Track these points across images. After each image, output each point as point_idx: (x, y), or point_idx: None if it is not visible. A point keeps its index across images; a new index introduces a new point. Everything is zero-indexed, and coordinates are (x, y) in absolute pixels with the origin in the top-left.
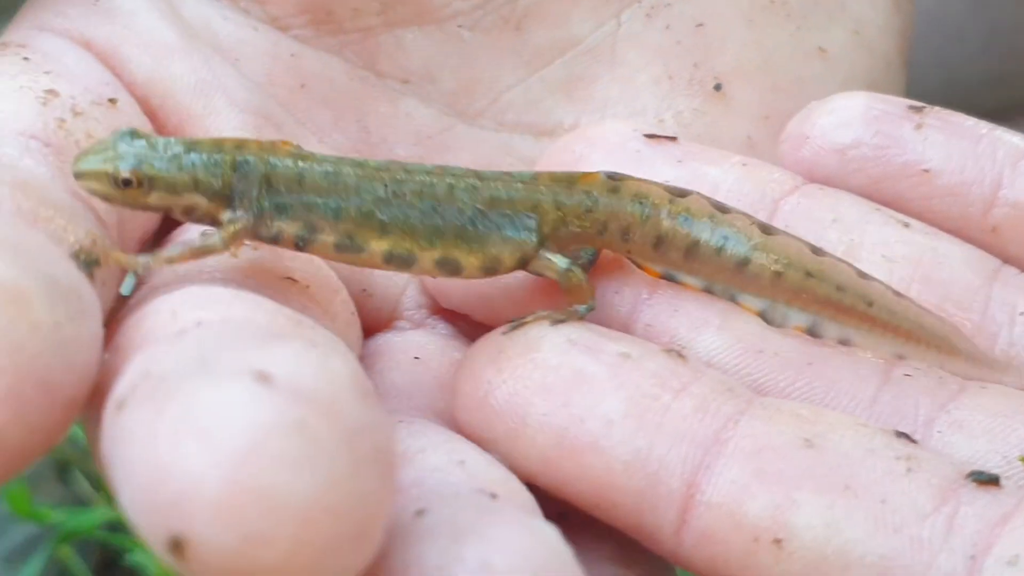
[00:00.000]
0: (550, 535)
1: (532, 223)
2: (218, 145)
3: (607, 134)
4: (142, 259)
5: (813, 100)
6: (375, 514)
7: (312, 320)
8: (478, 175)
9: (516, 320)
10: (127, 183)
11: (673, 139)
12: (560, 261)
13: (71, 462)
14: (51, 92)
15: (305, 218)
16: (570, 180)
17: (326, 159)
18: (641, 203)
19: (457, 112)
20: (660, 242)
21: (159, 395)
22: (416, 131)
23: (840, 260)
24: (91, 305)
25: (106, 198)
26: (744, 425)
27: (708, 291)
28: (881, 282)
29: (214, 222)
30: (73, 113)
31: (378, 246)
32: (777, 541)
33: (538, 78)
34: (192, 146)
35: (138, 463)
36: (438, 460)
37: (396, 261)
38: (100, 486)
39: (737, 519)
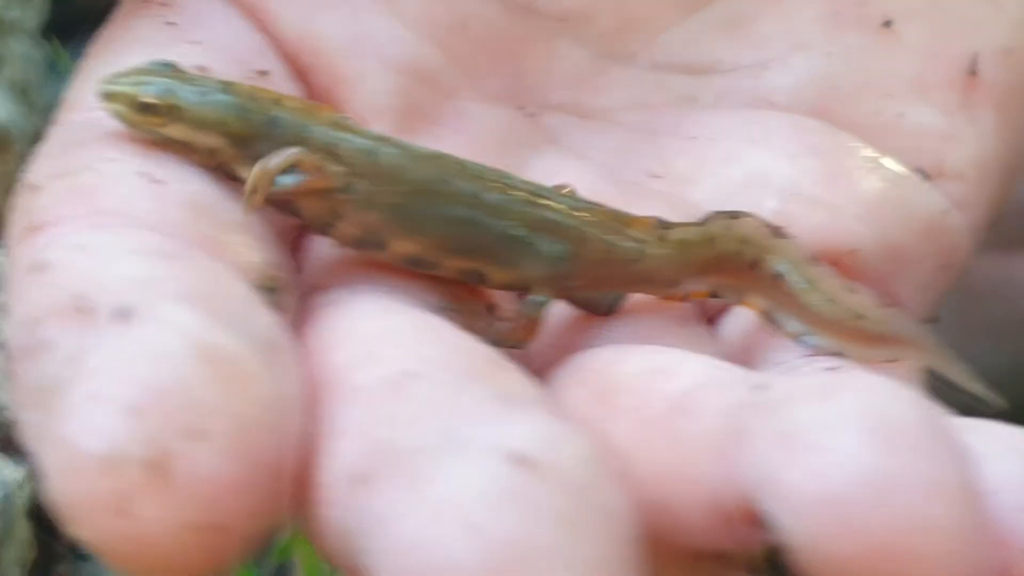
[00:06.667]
0: None
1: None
2: (254, 94)
3: None
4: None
5: (982, 42)
6: None
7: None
8: (533, 191)
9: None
10: (149, 108)
11: None
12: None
13: None
14: (202, 70)
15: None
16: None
17: (368, 134)
18: None
19: (610, 54)
20: None
21: (414, 475)
22: (570, 75)
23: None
24: (292, 357)
25: (127, 122)
26: None
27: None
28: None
29: (226, 173)
30: None
31: (401, 247)
32: None
33: (696, 18)
34: (227, 87)
35: (400, 543)
36: None
37: (418, 265)
38: None
39: None
